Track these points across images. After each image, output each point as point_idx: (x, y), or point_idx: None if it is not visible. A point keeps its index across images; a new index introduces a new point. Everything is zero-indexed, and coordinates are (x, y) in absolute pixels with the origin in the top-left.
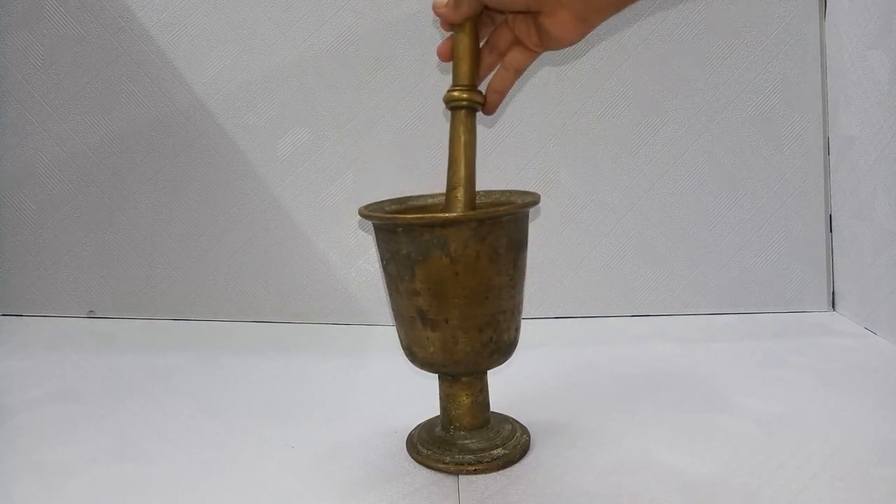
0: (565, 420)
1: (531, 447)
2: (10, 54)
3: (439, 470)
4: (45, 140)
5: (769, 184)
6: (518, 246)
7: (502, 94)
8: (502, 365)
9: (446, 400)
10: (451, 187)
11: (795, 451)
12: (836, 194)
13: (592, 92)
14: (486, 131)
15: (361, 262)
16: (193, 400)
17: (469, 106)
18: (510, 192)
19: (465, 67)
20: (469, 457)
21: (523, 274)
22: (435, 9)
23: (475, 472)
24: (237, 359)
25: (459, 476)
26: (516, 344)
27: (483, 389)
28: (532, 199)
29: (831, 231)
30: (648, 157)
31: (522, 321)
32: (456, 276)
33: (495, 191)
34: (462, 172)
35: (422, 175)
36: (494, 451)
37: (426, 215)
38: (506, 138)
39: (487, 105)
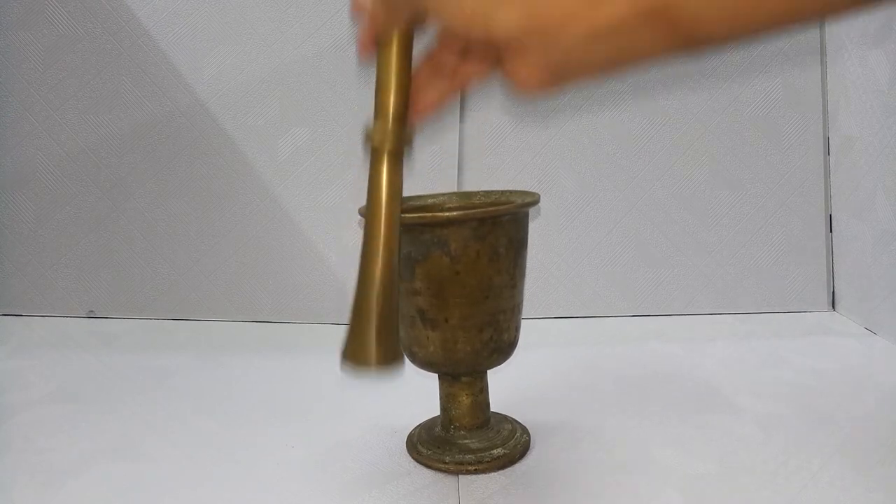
0: (565, 420)
1: (531, 447)
2: (10, 54)
3: (439, 470)
4: (45, 140)
5: (769, 184)
6: (518, 246)
7: (437, 111)
8: (502, 365)
9: (446, 400)
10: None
11: (795, 451)
12: (836, 194)
13: (592, 92)
14: (487, 131)
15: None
16: (193, 400)
17: (393, 150)
18: (510, 192)
19: (387, 95)
20: (469, 456)
21: (523, 274)
22: (356, 8)
23: (475, 471)
24: (237, 359)
25: (459, 476)
26: (516, 344)
27: (483, 389)
28: (532, 199)
29: (831, 231)
30: (648, 157)
31: (522, 321)
32: (456, 276)
33: (495, 191)
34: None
35: (421, 175)
36: (494, 451)
37: (426, 215)
38: (506, 138)
39: (417, 114)
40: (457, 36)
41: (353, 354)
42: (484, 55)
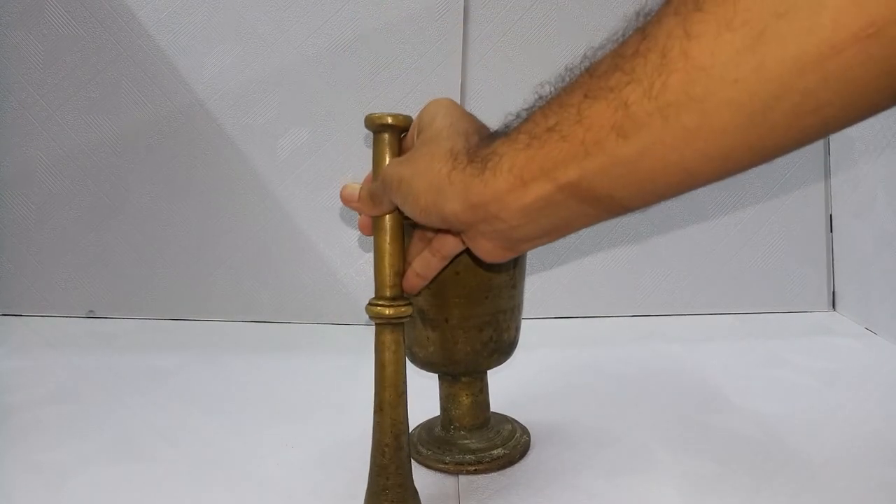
0: (565, 420)
1: (531, 447)
2: (10, 54)
3: (439, 470)
4: (45, 140)
5: (769, 184)
6: None
7: (424, 280)
8: (502, 365)
9: (446, 400)
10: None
11: (795, 451)
12: (836, 194)
13: None
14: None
15: (361, 262)
16: (193, 400)
17: (393, 322)
18: None
19: (384, 275)
20: (469, 457)
21: (523, 274)
22: (346, 203)
23: (475, 472)
24: (237, 359)
25: (459, 476)
26: (516, 344)
27: (483, 389)
28: None
29: (831, 231)
30: None
31: (522, 321)
32: (456, 276)
33: None
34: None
35: None
36: (494, 451)
37: None
38: None
39: (406, 287)
40: (426, 225)
41: None
42: (454, 232)
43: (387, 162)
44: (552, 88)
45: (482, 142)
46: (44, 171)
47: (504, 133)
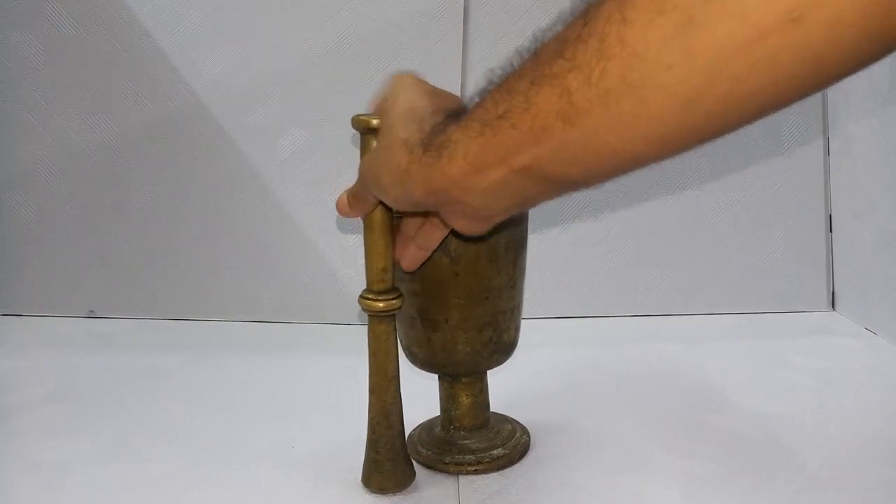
0: (565, 420)
1: (531, 447)
2: (10, 54)
3: (439, 470)
4: (45, 140)
5: (769, 184)
6: (518, 246)
7: (427, 252)
8: (502, 365)
9: (446, 400)
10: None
11: (795, 451)
12: (836, 194)
13: None
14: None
15: (361, 262)
16: (193, 400)
17: (385, 314)
18: None
19: (375, 269)
20: (469, 457)
21: (523, 274)
22: (342, 213)
23: (475, 472)
24: (237, 359)
25: (459, 476)
26: (516, 344)
27: (483, 390)
28: None
29: (831, 231)
30: None
31: (522, 321)
32: (456, 277)
33: None
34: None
35: None
36: (494, 451)
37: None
38: None
39: (406, 262)
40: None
41: (368, 482)
42: (435, 221)
43: None
44: (502, 72)
45: (437, 127)
46: (44, 171)
47: (458, 119)
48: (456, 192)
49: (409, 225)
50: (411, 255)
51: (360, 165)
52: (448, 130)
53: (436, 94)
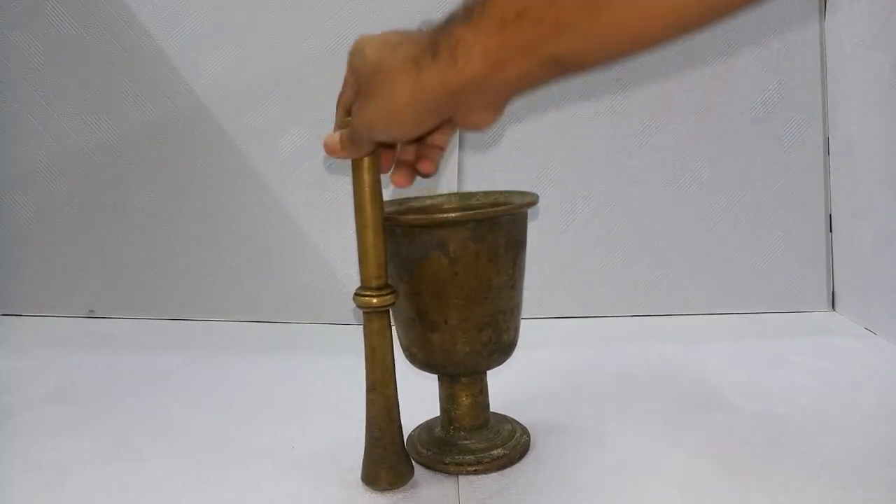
0: (565, 420)
1: (531, 447)
2: (10, 54)
3: (439, 470)
4: (45, 140)
5: (769, 184)
6: (517, 246)
7: (443, 149)
8: (502, 365)
9: (446, 400)
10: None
11: (795, 451)
12: (836, 194)
13: (592, 92)
14: (487, 132)
15: None
16: (193, 400)
17: (380, 310)
18: (509, 192)
19: (369, 266)
20: (469, 457)
21: (522, 274)
22: (331, 153)
23: (475, 472)
24: (237, 359)
25: (459, 476)
26: (516, 344)
27: (483, 390)
28: (531, 200)
29: (831, 231)
30: (648, 157)
31: (522, 321)
32: (455, 277)
33: (494, 191)
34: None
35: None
36: (494, 451)
37: (425, 216)
38: (505, 139)
39: (424, 165)
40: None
41: (375, 480)
42: (443, 127)
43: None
44: None
45: (435, 34)
46: (44, 172)
47: (464, 19)
48: (475, 88)
49: (406, 152)
50: (405, 175)
51: (354, 119)
52: (456, 32)
53: (396, 31)
